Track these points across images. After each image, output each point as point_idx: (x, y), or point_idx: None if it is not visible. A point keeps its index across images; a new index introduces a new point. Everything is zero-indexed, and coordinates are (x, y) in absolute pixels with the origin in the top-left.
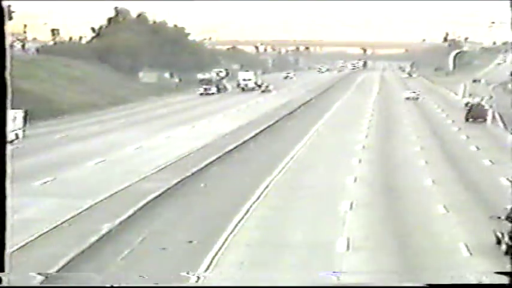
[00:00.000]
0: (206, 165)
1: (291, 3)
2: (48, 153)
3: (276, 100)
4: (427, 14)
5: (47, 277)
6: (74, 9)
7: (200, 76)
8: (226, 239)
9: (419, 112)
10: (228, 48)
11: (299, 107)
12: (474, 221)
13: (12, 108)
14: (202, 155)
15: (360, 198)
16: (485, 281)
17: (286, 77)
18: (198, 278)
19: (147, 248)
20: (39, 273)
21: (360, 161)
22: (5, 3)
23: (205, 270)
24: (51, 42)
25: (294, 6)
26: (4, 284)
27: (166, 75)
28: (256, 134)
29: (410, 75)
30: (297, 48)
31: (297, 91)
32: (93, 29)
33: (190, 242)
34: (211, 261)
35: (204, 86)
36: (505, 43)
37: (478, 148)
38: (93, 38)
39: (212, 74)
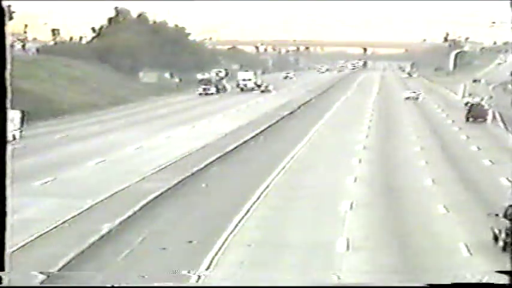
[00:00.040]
0: (206, 165)
1: (291, 3)
2: (48, 153)
3: (276, 100)
4: (427, 14)
5: (48, 276)
6: (74, 9)
7: (199, 76)
8: (226, 239)
9: (419, 112)
10: (229, 48)
11: (299, 107)
12: (474, 221)
13: (12, 109)
14: (202, 155)
15: (360, 198)
16: (486, 280)
17: (286, 77)
18: (199, 277)
19: (147, 248)
20: (40, 272)
21: (360, 161)
22: (5, 3)
23: (206, 270)
24: (52, 42)
25: (294, 6)
26: (4, 283)
27: (167, 75)
28: (257, 134)
29: (410, 75)
30: (297, 48)
31: (297, 91)
32: (93, 29)
33: (190, 242)
34: (211, 261)
35: (203, 86)
36: (505, 43)
37: (478, 148)
38: (93, 38)
39: (211, 74)
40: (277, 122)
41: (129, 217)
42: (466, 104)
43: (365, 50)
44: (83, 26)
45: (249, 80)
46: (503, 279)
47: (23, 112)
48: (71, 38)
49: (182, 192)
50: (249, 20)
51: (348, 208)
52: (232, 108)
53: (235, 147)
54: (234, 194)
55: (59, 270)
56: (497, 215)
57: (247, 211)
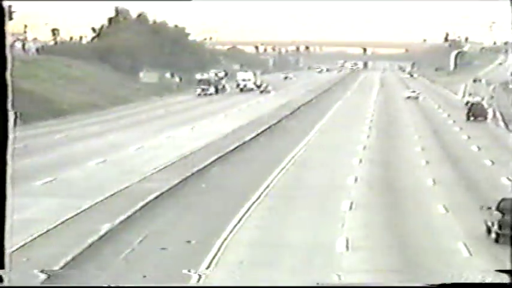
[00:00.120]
0: (207, 166)
1: (291, 3)
2: (48, 153)
3: (276, 100)
4: (427, 14)
5: (48, 275)
6: (74, 9)
7: (198, 77)
8: (226, 239)
9: (420, 112)
10: (228, 48)
11: (299, 107)
12: (474, 221)
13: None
14: (203, 155)
15: (360, 198)
16: (486, 279)
17: (285, 78)
18: (199, 276)
19: (147, 248)
20: (40, 271)
21: (360, 161)
22: (5, 3)
23: (206, 269)
24: (52, 42)
25: (293, 6)
26: (5, 282)
27: (167, 75)
28: (257, 134)
29: (411, 75)
30: (297, 48)
31: (297, 91)
32: (93, 29)
33: (189, 242)
34: (211, 261)
35: (202, 87)
36: (505, 43)
37: (479, 148)
38: (93, 38)
39: (210, 75)
40: (278, 122)
41: (129, 217)
42: (467, 103)
43: (365, 50)
44: (83, 26)
45: (249, 80)
46: (504, 278)
47: (15, 114)
48: (71, 38)
49: (183, 193)
50: (249, 20)
51: (348, 208)
52: (233, 109)
53: (236, 147)
54: (234, 194)
55: (59, 269)
56: (490, 208)
57: (247, 211)
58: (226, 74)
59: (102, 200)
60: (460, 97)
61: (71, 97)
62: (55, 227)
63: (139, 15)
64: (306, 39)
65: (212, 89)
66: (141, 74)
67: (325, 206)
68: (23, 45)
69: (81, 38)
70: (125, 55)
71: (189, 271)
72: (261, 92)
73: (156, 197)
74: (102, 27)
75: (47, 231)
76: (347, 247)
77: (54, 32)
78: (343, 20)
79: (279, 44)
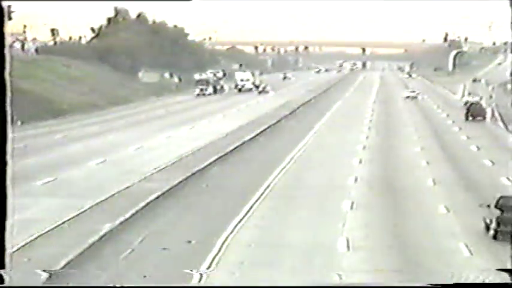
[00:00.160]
0: (207, 166)
1: (291, 3)
2: (48, 153)
3: (276, 101)
4: (426, 14)
5: (49, 274)
6: (73, 9)
7: (197, 77)
8: (226, 239)
9: (419, 112)
10: (228, 49)
11: (298, 107)
12: (474, 221)
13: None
14: (202, 155)
15: (361, 199)
16: (486, 279)
17: (284, 78)
18: (201, 276)
19: (147, 248)
20: (42, 271)
21: (360, 161)
22: (4, 3)
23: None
24: (51, 43)
25: (293, 6)
26: (6, 282)
27: (166, 75)
28: (257, 134)
29: (409, 75)
30: (296, 49)
31: (296, 91)
32: (92, 29)
33: (190, 242)
34: (211, 261)
35: (200, 87)
36: (505, 43)
37: (478, 148)
38: (92, 38)
39: (209, 75)
40: (277, 122)
41: (129, 217)
42: (466, 103)
43: (364, 50)
44: (82, 26)
45: (247, 80)
46: (504, 278)
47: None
48: (70, 38)
49: (183, 193)
50: (248, 20)
51: (349, 208)
52: (232, 109)
53: (236, 147)
54: (235, 194)
55: (60, 269)
56: (488, 206)
57: (248, 211)
58: (224, 74)
59: (102, 200)
60: (459, 97)
61: (71, 97)
62: (55, 227)
63: (138, 15)
64: (305, 39)
65: (210, 89)
66: (141, 74)
67: (325, 206)
68: (22, 45)
69: (80, 38)
70: (124, 55)
71: (189, 271)
72: (260, 92)
73: (157, 197)
74: (101, 27)
75: (47, 231)
76: (348, 247)
77: (54, 32)
78: (342, 20)
79: (278, 44)
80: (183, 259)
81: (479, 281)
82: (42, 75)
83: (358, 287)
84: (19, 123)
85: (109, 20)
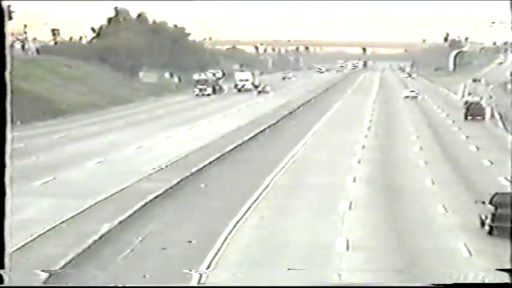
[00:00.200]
0: (206, 165)
1: (291, 3)
2: (48, 153)
3: (275, 101)
4: (427, 14)
5: (49, 274)
6: (74, 9)
7: (196, 77)
8: (226, 239)
9: (419, 112)
10: (228, 48)
11: (298, 107)
12: (474, 221)
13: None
14: (202, 155)
15: (360, 198)
16: (486, 279)
17: (284, 78)
18: (200, 276)
19: (147, 248)
20: (41, 271)
21: (359, 161)
22: (5, 3)
23: (206, 269)
24: (52, 42)
25: (293, 6)
26: (6, 282)
27: (166, 75)
28: (256, 134)
29: (410, 75)
30: (297, 48)
31: (296, 92)
32: (93, 29)
33: (190, 241)
34: (211, 261)
35: (199, 87)
36: (505, 43)
37: (477, 148)
38: (93, 38)
39: (208, 75)
40: (277, 122)
41: (129, 217)
42: (466, 103)
43: (364, 50)
44: (83, 26)
45: (247, 80)
46: (504, 278)
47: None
48: (71, 38)
49: (182, 192)
50: (248, 20)
51: (348, 208)
52: (231, 109)
53: (235, 147)
54: (234, 194)
55: (59, 270)
56: (483, 202)
57: (247, 211)
58: (223, 74)
59: (101, 200)
60: (459, 97)
61: (71, 97)
62: (55, 227)
63: (139, 15)
64: (306, 39)
65: (210, 90)
66: (141, 74)
67: (324, 206)
68: (23, 45)
69: (81, 38)
70: (125, 55)
71: (189, 271)
72: (259, 92)
73: (156, 197)
74: (101, 27)
75: (47, 231)
76: (347, 247)
77: (54, 32)
78: (343, 20)
79: (279, 44)
80: (182, 259)
81: (478, 281)
82: (43, 75)
83: (358, 287)
84: (18, 123)
85: (109, 20)
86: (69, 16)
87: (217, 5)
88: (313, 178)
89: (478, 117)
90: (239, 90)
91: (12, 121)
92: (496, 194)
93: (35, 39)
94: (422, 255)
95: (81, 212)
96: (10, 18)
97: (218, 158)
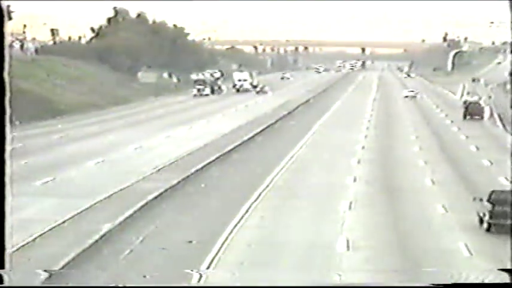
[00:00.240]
0: (206, 165)
1: (290, 3)
2: (48, 153)
3: (275, 101)
4: (426, 14)
5: (49, 274)
6: (73, 9)
7: (194, 77)
8: (226, 239)
9: (418, 112)
10: (227, 48)
11: (297, 107)
12: (474, 221)
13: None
14: (202, 155)
15: (360, 198)
16: (486, 279)
17: (283, 78)
18: (200, 276)
19: (147, 248)
20: (42, 271)
21: (359, 161)
22: (4, 3)
23: (206, 269)
24: (51, 42)
25: (293, 6)
26: (6, 282)
27: (165, 75)
28: (256, 134)
29: (408, 75)
30: (296, 49)
31: (295, 92)
32: (92, 29)
33: (190, 242)
34: (211, 261)
35: (197, 87)
36: (504, 43)
37: (477, 148)
38: (92, 38)
39: (206, 75)
40: (276, 122)
41: (129, 217)
42: (465, 102)
43: (363, 50)
44: (82, 26)
45: (245, 80)
46: (504, 278)
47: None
48: (70, 38)
49: (182, 192)
50: (248, 20)
51: (347, 208)
52: (230, 109)
53: (235, 147)
54: (234, 194)
55: (60, 269)
56: (481, 199)
57: (247, 211)
58: (222, 74)
59: (101, 200)
60: (458, 97)
61: (70, 97)
62: (55, 227)
63: (138, 15)
64: (305, 39)
65: (208, 90)
66: (140, 74)
67: (324, 206)
68: (22, 45)
69: (80, 38)
70: (124, 55)
71: (189, 271)
72: (257, 92)
73: (156, 197)
74: (101, 27)
75: (47, 231)
76: (347, 247)
77: (53, 32)
78: (342, 20)
79: (278, 44)
80: (182, 259)
81: (479, 281)
82: (42, 75)
83: (358, 287)
84: (18, 123)
85: (109, 20)
86: (69, 16)
87: (217, 5)
88: (313, 178)
89: (477, 117)
90: (237, 90)
91: (11, 121)
92: (493, 191)
93: (34, 39)
94: (422, 255)
95: (81, 212)
96: (10, 18)
97: (218, 158)
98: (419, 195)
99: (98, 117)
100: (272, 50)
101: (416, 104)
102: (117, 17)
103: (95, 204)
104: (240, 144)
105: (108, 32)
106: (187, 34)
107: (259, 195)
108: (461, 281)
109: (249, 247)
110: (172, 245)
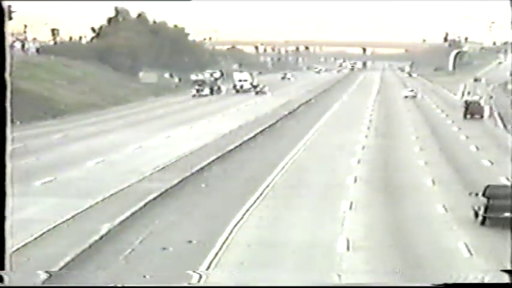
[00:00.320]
0: (206, 165)
1: (291, 4)
2: (48, 153)
3: (275, 101)
4: (427, 14)
5: (49, 275)
6: (74, 9)
7: (193, 77)
8: (226, 239)
9: (418, 112)
10: (228, 49)
11: (298, 107)
12: (473, 220)
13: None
14: (202, 155)
15: (360, 198)
16: (486, 279)
17: (283, 78)
18: (200, 276)
19: (147, 248)
20: (42, 271)
21: (359, 161)
22: (5, 3)
23: (206, 270)
24: (51, 42)
25: (293, 6)
26: (6, 282)
27: (166, 75)
28: (256, 134)
29: (410, 75)
30: (297, 49)
31: (296, 92)
32: (93, 29)
33: (190, 241)
34: (211, 261)
35: (196, 87)
36: (505, 43)
37: (477, 148)
38: (93, 38)
39: (206, 75)
40: (276, 122)
41: (129, 217)
42: (465, 102)
43: (364, 50)
44: (83, 26)
45: (245, 80)
46: (504, 278)
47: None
48: (71, 38)
49: (182, 192)
50: (248, 20)
51: (348, 208)
52: (230, 109)
53: (235, 147)
54: (234, 194)
55: (60, 270)
56: (477, 194)
57: (247, 211)
58: (222, 75)
59: (102, 200)
60: (459, 97)
61: (71, 97)
62: (55, 227)
63: (139, 15)
64: (306, 39)
65: (207, 90)
66: (141, 74)
67: (324, 206)
68: (23, 45)
69: (80, 38)
70: (125, 55)
71: (189, 271)
72: (257, 92)
73: (156, 197)
74: (101, 27)
75: (47, 231)
76: (347, 247)
77: (54, 32)
78: (343, 20)
79: (279, 44)
80: (182, 259)
81: (479, 281)
82: (42, 75)
83: (358, 287)
84: (18, 123)
85: (109, 20)
86: (69, 16)
87: (217, 5)
88: (314, 178)
89: (477, 116)
90: (237, 91)
91: (12, 121)
92: (488, 186)
93: (34, 39)
94: (423, 255)
95: (82, 211)
96: (10, 18)
97: (218, 157)
98: (419, 195)
99: (98, 117)
100: (273, 50)
101: (416, 103)
102: (118, 17)
103: (95, 204)
104: (240, 144)
105: (108, 32)
106: (188, 34)
107: (260, 195)
108: (461, 281)
109: (249, 247)
110: (173, 245)
